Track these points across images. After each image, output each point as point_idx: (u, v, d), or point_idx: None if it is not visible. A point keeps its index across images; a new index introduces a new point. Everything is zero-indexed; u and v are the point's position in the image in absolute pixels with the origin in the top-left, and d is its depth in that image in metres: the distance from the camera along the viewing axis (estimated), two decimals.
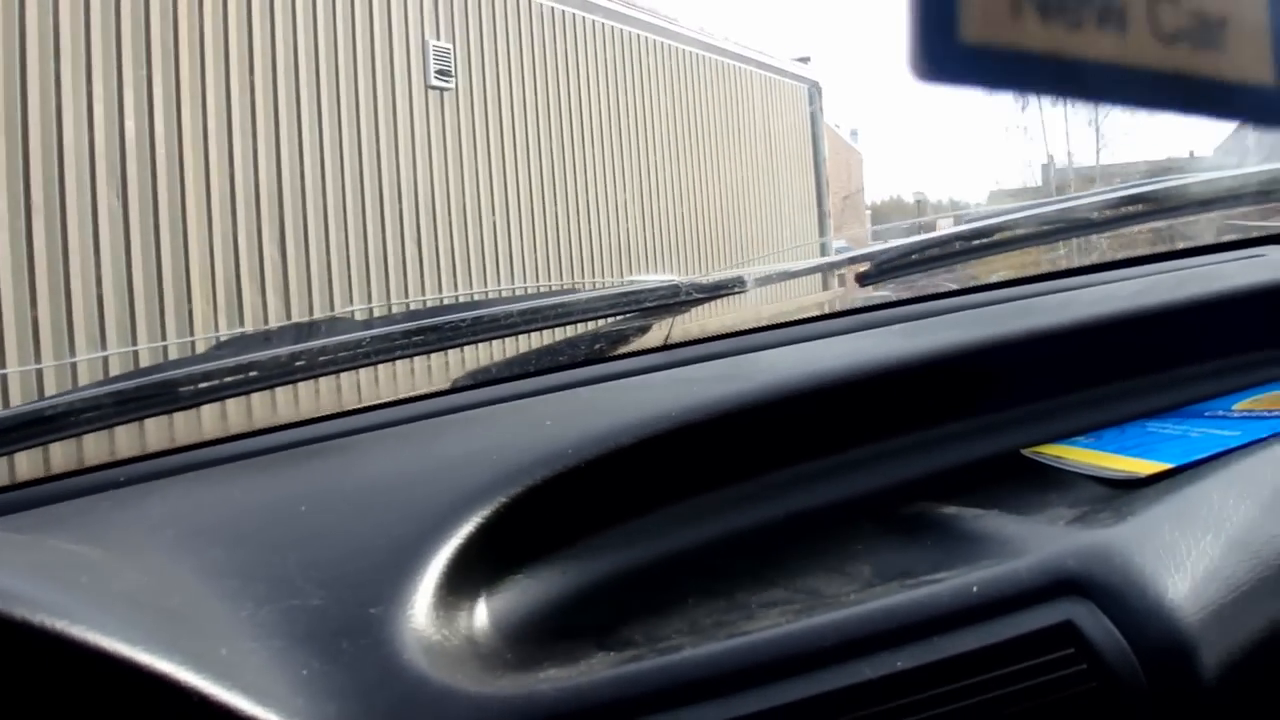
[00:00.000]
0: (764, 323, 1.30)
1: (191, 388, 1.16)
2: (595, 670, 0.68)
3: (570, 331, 1.35)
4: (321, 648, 0.67)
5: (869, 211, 49.03)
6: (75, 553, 0.77)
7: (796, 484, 0.98)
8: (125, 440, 1.17)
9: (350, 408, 1.16)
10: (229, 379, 1.17)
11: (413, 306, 2.30)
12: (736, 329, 1.29)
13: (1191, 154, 38.79)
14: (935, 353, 1.05)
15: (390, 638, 0.68)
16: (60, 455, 1.14)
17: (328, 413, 1.15)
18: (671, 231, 9.90)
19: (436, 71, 7.66)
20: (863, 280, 1.41)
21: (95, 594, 0.66)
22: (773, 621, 0.73)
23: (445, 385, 1.26)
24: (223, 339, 1.77)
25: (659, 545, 0.90)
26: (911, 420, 1.03)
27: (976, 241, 1.39)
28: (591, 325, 1.36)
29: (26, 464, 1.13)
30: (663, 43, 10.16)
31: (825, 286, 1.86)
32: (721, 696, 0.66)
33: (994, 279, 1.41)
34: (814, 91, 13.48)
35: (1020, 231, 1.42)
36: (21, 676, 0.59)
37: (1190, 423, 1.04)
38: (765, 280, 1.42)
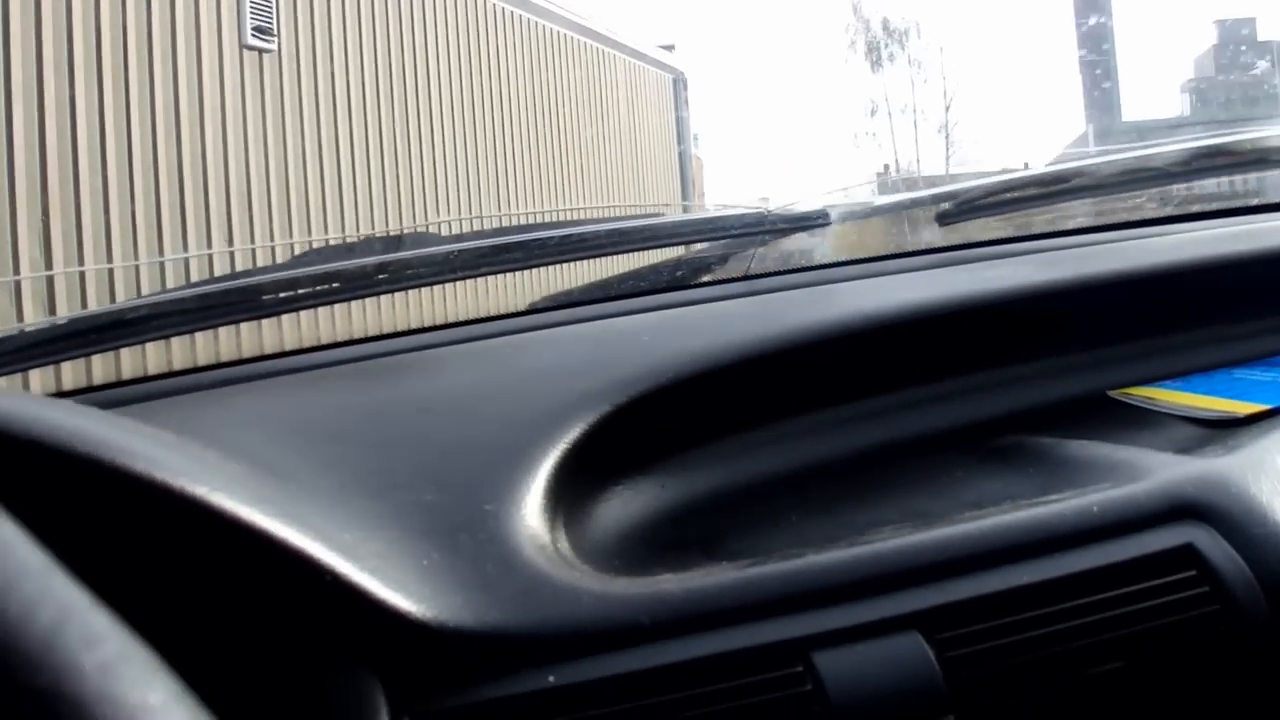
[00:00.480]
0: (842, 257, 1.33)
1: (275, 295, 1.18)
2: (715, 574, 0.69)
3: (655, 256, 1.37)
4: (440, 541, 0.68)
5: None
6: (187, 442, 0.73)
7: (888, 413, 0.99)
8: (206, 346, 1.20)
9: (438, 323, 1.19)
10: (313, 288, 1.20)
11: (501, 223, 2.18)
12: (818, 263, 1.33)
13: (1026, 165, 39.51)
14: (1023, 290, 1.07)
15: (507, 535, 0.69)
16: (143, 359, 1.18)
17: (416, 327, 1.18)
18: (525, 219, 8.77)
19: (254, 29, 6.30)
20: (943, 219, 1.40)
21: (220, 473, 0.64)
22: (889, 535, 0.73)
23: (532, 304, 1.27)
24: (308, 246, 1.71)
25: (756, 466, 0.92)
26: (998, 356, 1.05)
27: (1058, 186, 1.40)
28: (676, 251, 1.40)
29: (116, 364, 1.19)
30: (521, 14, 8.98)
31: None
32: (848, 602, 0.66)
33: (1075, 224, 1.43)
34: (680, 82, 12.48)
35: (1101, 177, 1.42)
36: (157, 543, 0.59)
37: (1279, 370, 1.05)
38: (849, 213, 1.42)
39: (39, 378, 1.18)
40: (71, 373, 1.23)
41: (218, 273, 1.30)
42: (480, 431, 0.81)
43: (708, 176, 42.23)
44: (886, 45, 33.93)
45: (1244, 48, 39.90)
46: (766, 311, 1.08)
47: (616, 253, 1.32)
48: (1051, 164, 1.46)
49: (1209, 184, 1.50)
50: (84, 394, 1.06)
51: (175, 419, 0.87)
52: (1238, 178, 1.53)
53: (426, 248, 1.28)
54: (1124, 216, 1.44)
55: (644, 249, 1.32)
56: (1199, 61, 43.19)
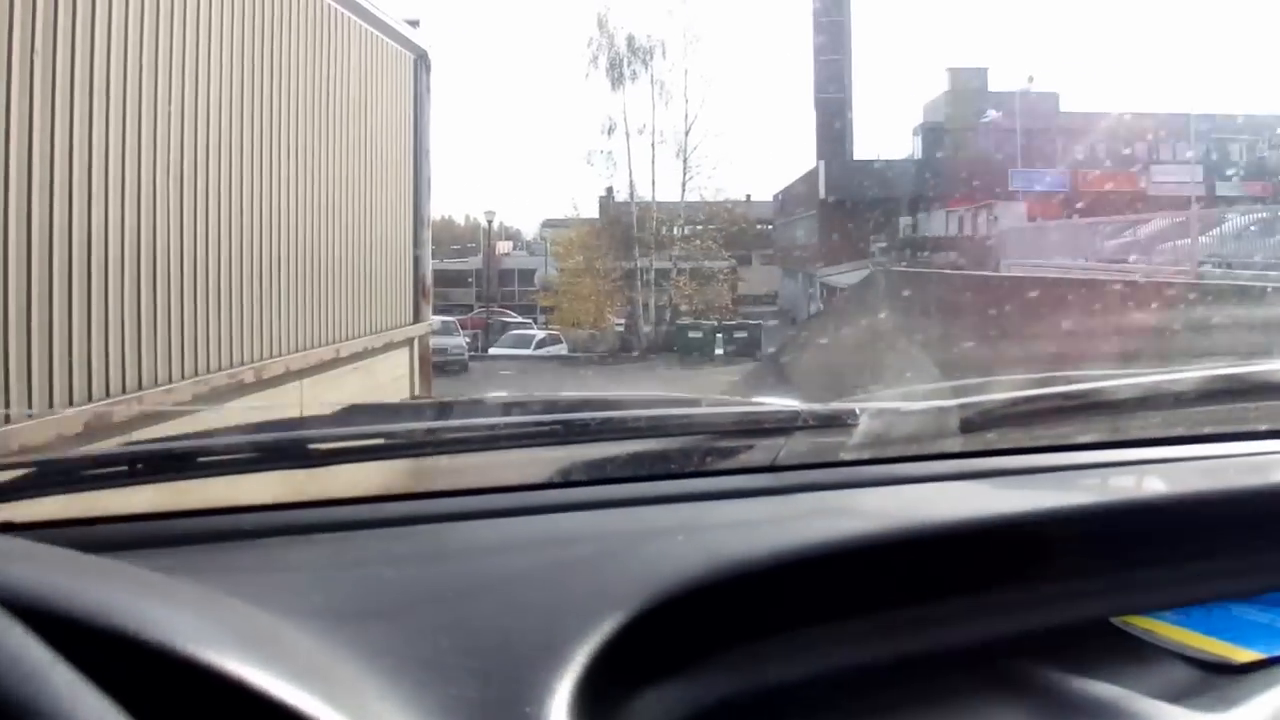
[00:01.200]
0: (866, 455, 1.39)
1: (322, 446, 1.27)
2: None
3: (691, 441, 1.46)
4: None
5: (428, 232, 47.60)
6: (229, 603, 0.81)
7: (899, 629, 1.04)
8: (252, 487, 1.25)
9: (474, 486, 1.26)
10: (360, 443, 1.32)
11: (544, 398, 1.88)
12: (843, 459, 1.38)
13: (748, 197, 38.84)
14: (1038, 514, 1.14)
15: None
16: (192, 494, 1.21)
17: (453, 488, 1.26)
18: (225, 206, 6.55)
19: None
20: (966, 427, 1.44)
21: (268, 650, 0.69)
22: None
23: (566, 475, 1.35)
24: (356, 405, 1.87)
25: (765, 675, 0.97)
26: (1010, 576, 1.10)
27: (1078, 402, 1.50)
28: (708, 438, 1.47)
29: (161, 497, 1.20)
30: None
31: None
32: None
33: (1089, 439, 1.47)
34: (422, 63, 10.46)
35: (1121, 398, 1.51)
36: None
37: (1276, 611, 1.09)
38: (878, 414, 1.45)
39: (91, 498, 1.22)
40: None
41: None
42: (520, 624, 0.87)
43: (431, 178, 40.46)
44: (630, 63, 32.87)
45: (975, 95, 41.87)
46: (794, 515, 1.17)
47: (653, 437, 1.43)
48: (1074, 382, 1.55)
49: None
50: (131, 522, 1.14)
51: (216, 571, 0.96)
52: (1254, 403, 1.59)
53: (473, 416, 1.52)
54: (1139, 433, 1.51)
55: (681, 436, 1.45)
56: (930, 107, 44.78)
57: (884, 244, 35.12)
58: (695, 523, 1.12)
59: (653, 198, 33.38)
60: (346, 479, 1.29)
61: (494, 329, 37.75)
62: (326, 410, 1.67)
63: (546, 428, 1.38)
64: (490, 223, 44.25)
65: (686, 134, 32.86)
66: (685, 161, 32.95)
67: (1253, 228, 14.08)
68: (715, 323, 30.83)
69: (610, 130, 32.74)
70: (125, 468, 1.21)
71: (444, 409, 1.58)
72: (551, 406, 1.58)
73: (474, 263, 62.26)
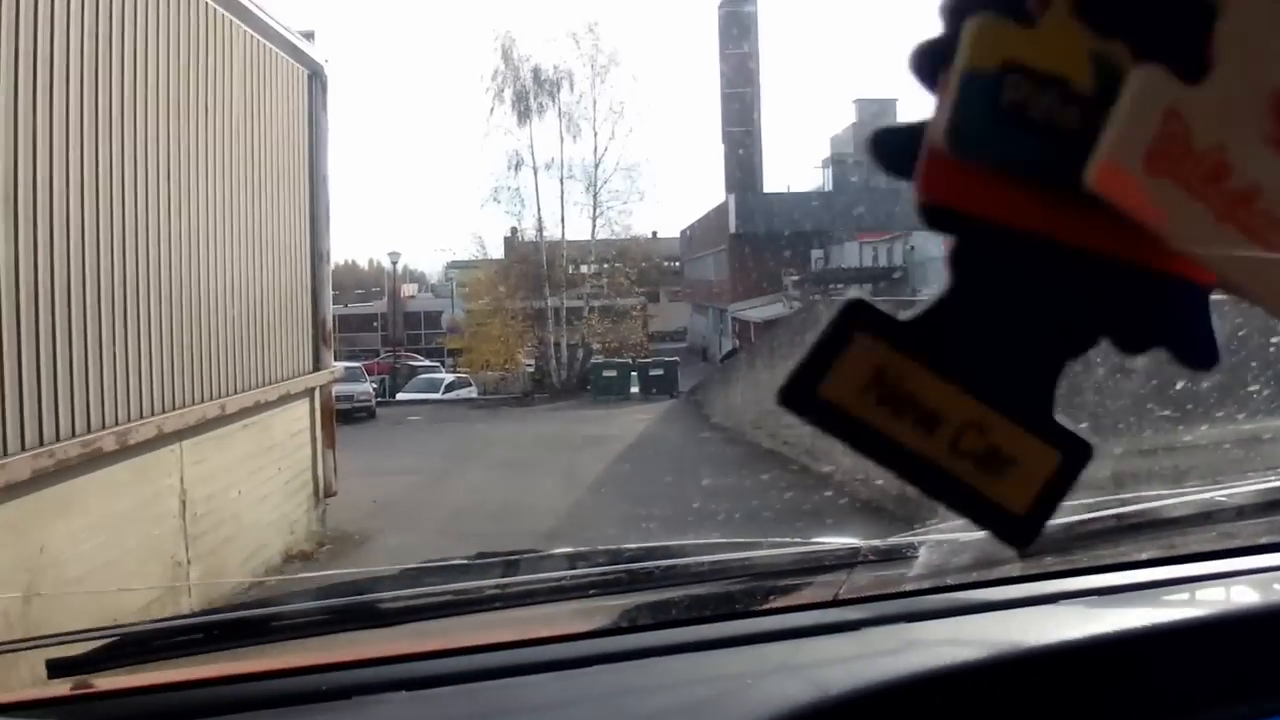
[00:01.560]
0: (926, 585, 1.45)
1: (393, 606, 1.38)
2: None
3: (753, 582, 1.52)
4: None
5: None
6: None
7: None
8: (326, 646, 1.35)
9: (548, 635, 1.33)
10: (429, 600, 1.41)
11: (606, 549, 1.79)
12: (905, 589, 1.44)
13: (655, 234, 38.06)
14: (1097, 639, 1.18)
15: None
16: (267, 655, 1.32)
17: (528, 638, 1.32)
18: (76, 236, 5.34)
19: None
20: (1024, 553, 1.41)
21: None
22: None
23: (630, 620, 1.43)
24: (422, 565, 1.86)
25: None
26: (1075, 702, 1.15)
27: (1134, 522, 1.55)
28: (771, 578, 1.52)
29: (239, 661, 1.29)
30: None
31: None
32: None
33: (1146, 556, 1.52)
34: (318, 80, 9.33)
35: (1177, 516, 1.56)
36: None
37: None
38: (939, 545, 1.51)
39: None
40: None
41: None
42: None
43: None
44: (536, 95, 31.83)
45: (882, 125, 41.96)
46: (861, 651, 1.22)
47: (716, 581, 1.51)
48: (1129, 502, 1.62)
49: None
50: (209, 686, 1.23)
51: None
52: None
53: (540, 571, 1.58)
54: (1196, 548, 1.54)
55: (742, 580, 1.52)
56: (838, 139, 44.79)
57: (796, 277, 34.69)
58: (763, 665, 1.21)
59: (562, 235, 32.43)
60: (418, 636, 1.37)
61: (401, 373, 36.50)
62: (394, 570, 1.79)
63: (611, 577, 1.49)
64: (395, 264, 42.84)
65: (596, 166, 32.02)
66: (595, 196, 32.12)
67: None
68: (630, 360, 29.89)
69: (517, 166, 31.74)
70: (201, 635, 1.35)
71: (510, 565, 1.62)
72: (615, 556, 1.64)
73: (379, 306, 60.96)
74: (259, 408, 7.56)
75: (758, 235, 37.30)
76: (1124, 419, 5.39)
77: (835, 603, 1.37)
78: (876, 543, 1.50)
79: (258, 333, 7.69)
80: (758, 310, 35.44)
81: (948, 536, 1.54)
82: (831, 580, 1.44)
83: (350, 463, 12.45)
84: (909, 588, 1.43)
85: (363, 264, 77.65)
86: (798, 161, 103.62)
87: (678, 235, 50.12)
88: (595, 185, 31.88)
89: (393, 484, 12.37)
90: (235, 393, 7.13)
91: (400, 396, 30.08)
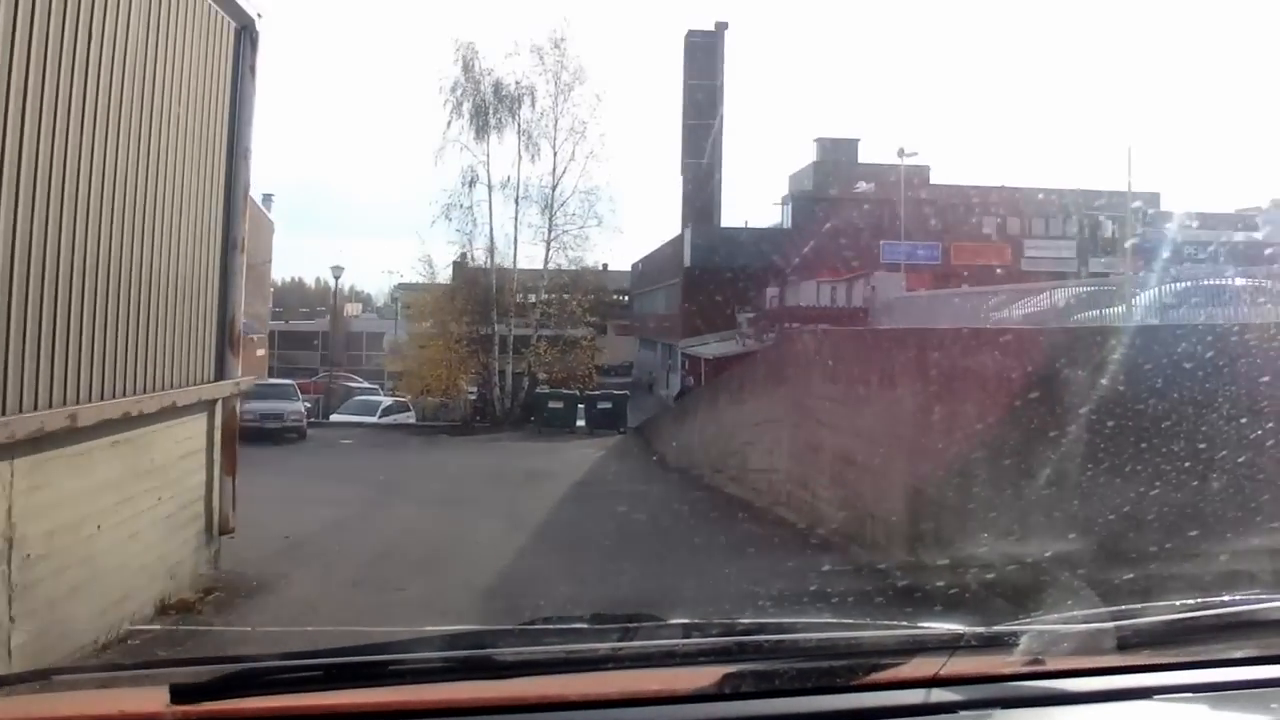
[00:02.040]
0: (1024, 671, 1.53)
1: (511, 660, 1.52)
2: None
3: (856, 660, 1.57)
4: None
5: (272, 290, 43.91)
6: None
7: None
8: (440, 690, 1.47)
9: (653, 694, 1.46)
10: (546, 657, 1.56)
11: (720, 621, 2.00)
12: (1004, 673, 1.52)
13: (605, 266, 36.82)
14: None
15: None
16: (380, 695, 1.42)
17: (638, 695, 1.46)
18: None
19: None
20: (1123, 644, 1.59)
21: None
22: None
23: (738, 688, 1.48)
24: (542, 624, 1.94)
25: None
26: None
27: (1235, 621, 1.68)
28: (874, 656, 1.58)
29: (354, 697, 1.39)
30: None
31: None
32: None
33: (1243, 655, 1.61)
34: (246, 36, 7.82)
35: (1271, 620, 1.71)
36: None
37: None
38: (1040, 635, 1.59)
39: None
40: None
41: None
42: None
43: (278, 244, 36.48)
44: (496, 111, 30.41)
45: (844, 165, 41.22)
46: None
47: (820, 658, 1.57)
48: (1229, 603, 1.73)
49: None
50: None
51: None
52: None
53: (655, 638, 1.66)
54: None
55: (850, 659, 1.57)
56: (798, 176, 43.81)
57: (750, 314, 33.63)
58: None
59: (514, 259, 31.04)
60: (531, 689, 1.46)
61: (337, 394, 34.81)
62: (513, 627, 1.91)
63: (722, 646, 1.61)
64: (338, 279, 41.17)
65: (554, 189, 30.76)
66: (551, 219, 30.82)
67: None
68: (578, 392, 28.47)
69: (472, 182, 30.25)
70: (321, 674, 1.43)
71: (628, 631, 1.67)
72: (729, 629, 1.73)
73: (322, 325, 59.03)
74: (131, 421, 5.92)
75: (713, 270, 36.23)
76: (1229, 521, 4.91)
77: (934, 681, 1.46)
78: (980, 629, 1.60)
79: (137, 328, 6.10)
80: (710, 347, 34.37)
81: (1049, 626, 1.66)
82: (932, 662, 1.51)
83: (269, 488, 11.01)
84: (1007, 672, 1.51)
85: (309, 283, 75.76)
86: (756, 198, 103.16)
87: (629, 269, 49.09)
88: (552, 207, 30.62)
89: (312, 516, 10.85)
90: (95, 399, 5.53)
91: (334, 418, 28.45)
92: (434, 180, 55.73)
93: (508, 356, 30.06)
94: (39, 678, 1.61)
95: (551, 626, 1.79)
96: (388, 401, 30.11)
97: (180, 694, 1.33)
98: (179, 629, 6.26)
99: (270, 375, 33.98)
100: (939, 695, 1.42)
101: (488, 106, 30.45)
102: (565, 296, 30.92)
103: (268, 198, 40.28)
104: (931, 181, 39.02)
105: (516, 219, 30.71)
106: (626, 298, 49.65)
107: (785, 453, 12.10)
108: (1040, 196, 37.35)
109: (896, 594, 6.11)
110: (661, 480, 16.86)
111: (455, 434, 26.26)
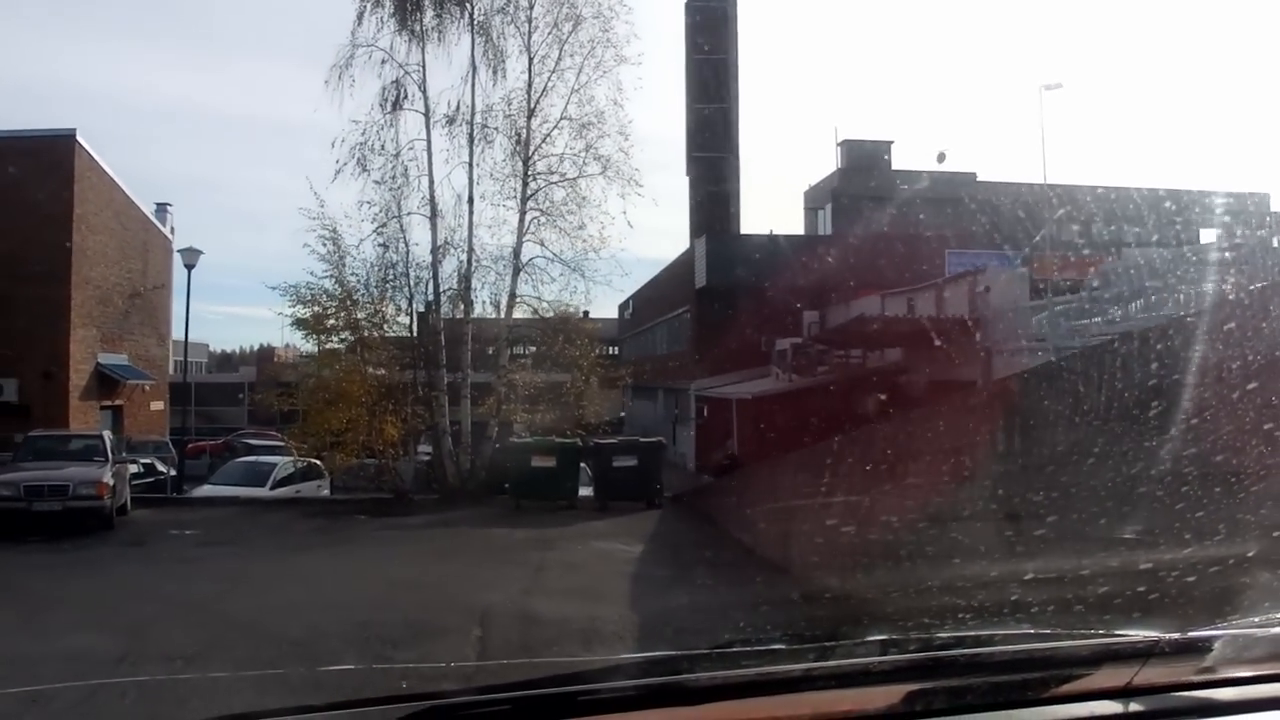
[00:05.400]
0: (1219, 678, 1.50)
1: (703, 685, 1.49)
2: None
3: (1050, 671, 1.56)
4: None
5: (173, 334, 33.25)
6: None
7: None
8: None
9: (844, 713, 1.44)
10: (739, 681, 1.52)
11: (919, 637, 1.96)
12: (1197, 680, 1.49)
13: (586, 314, 25.07)
14: None
15: None
16: None
17: (823, 715, 1.44)
18: None
19: None
20: None
21: None
22: None
23: (931, 706, 1.47)
24: (734, 646, 1.99)
25: None
26: None
27: None
28: (1067, 668, 1.56)
29: None
30: None
31: None
32: None
33: None
34: None
35: None
36: None
37: None
38: (1236, 640, 1.56)
39: None
40: None
41: None
42: None
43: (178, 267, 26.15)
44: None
45: (879, 169, 33.38)
46: None
47: (1014, 671, 1.57)
48: None
49: None
50: None
51: None
52: None
53: (850, 658, 1.64)
54: None
55: (1040, 669, 1.56)
56: (817, 189, 35.45)
57: (790, 343, 25.07)
58: None
59: (469, 227, 19.92)
60: (723, 714, 1.43)
61: (239, 454, 25.54)
62: (705, 650, 1.84)
63: (917, 663, 1.59)
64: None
65: (530, 114, 19.87)
66: (527, 166, 20.35)
67: None
68: (578, 439, 17.77)
69: (396, 103, 19.78)
70: (510, 708, 1.43)
71: (824, 651, 1.69)
72: (925, 645, 1.70)
73: (249, 374, 49.63)
74: None
75: (734, 290, 27.67)
76: None
77: (1127, 691, 1.46)
78: (1175, 635, 1.56)
79: None
80: (742, 386, 25.80)
81: (1244, 631, 1.65)
82: (1126, 670, 1.50)
83: None
84: (1200, 680, 1.48)
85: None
86: (769, 210, 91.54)
87: (614, 315, 40.30)
88: (526, 146, 19.82)
89: None
90: None
91: (201, 490, 18.99)
92: (331, 122, 38.31)
93: (464, 405, 19.86)
94: None
95: (747, 649, 1.83)
96: (289, 468, 20.27)
97: None
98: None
99: (189, 436, 25.40)
100: (1131, 705, 1.42)
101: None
102: (547, 339, 20.67)
103: (162, 208, 31.20)
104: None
105: (471, 164, 19.75)
106: (614, 348, 40.76)
107: None
108: (1122, 196, 28.94)
109: None
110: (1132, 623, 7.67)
111: (379, 513, 16.50)
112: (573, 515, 15.63)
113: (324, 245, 19.26)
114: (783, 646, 1.72)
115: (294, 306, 19.42)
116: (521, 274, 19.74)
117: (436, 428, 19.52)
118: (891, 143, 37.55)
